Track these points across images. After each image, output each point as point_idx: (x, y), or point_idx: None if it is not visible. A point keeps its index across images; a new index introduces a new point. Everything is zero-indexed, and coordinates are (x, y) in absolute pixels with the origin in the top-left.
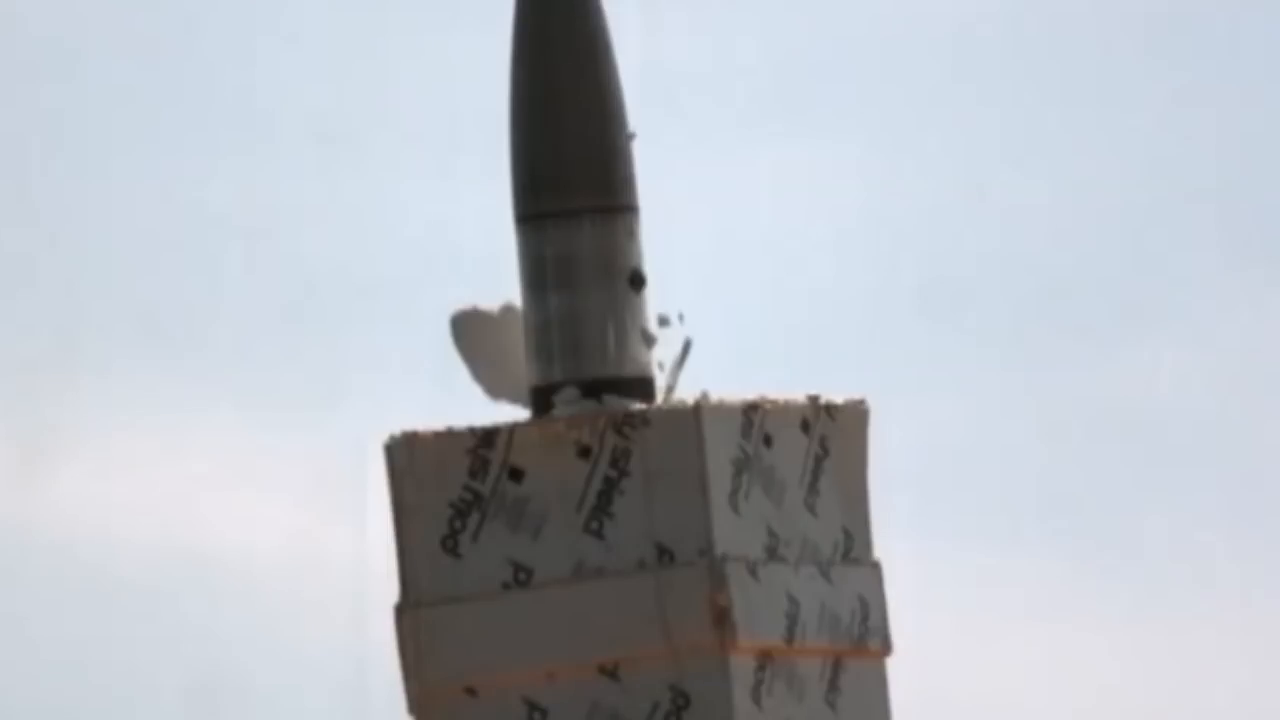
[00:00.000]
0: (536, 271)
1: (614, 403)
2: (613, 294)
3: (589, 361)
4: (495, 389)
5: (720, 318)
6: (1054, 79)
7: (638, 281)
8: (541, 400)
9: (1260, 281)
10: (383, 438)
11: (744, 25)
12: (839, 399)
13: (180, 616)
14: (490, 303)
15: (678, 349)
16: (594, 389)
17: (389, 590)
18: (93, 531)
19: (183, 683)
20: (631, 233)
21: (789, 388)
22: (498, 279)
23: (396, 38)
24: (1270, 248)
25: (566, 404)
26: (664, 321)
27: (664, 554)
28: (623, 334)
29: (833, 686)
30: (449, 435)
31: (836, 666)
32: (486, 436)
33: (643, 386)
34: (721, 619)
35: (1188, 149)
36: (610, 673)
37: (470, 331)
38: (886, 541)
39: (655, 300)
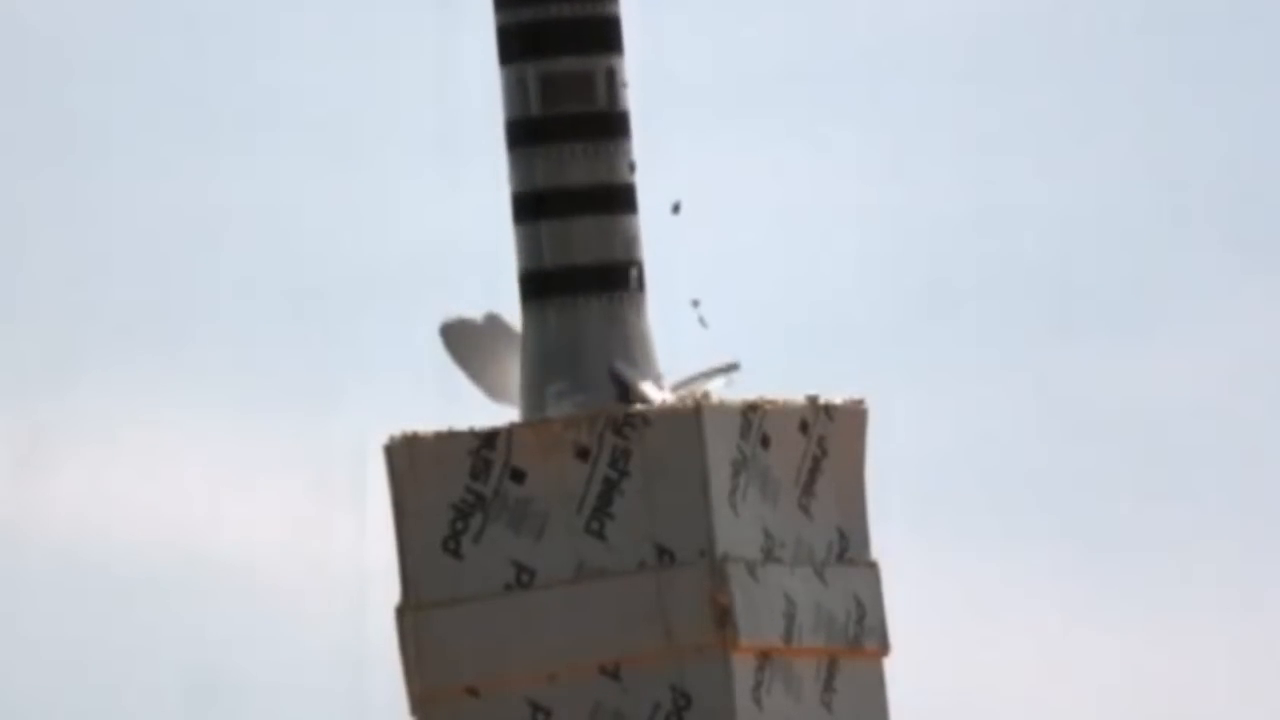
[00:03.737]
0: None
1: (611, 403)
2: None
3: None
4: (495, 392)
5: (721, 317)
6: (1056, 80)
7: None
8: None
9: (1260, 281)
10: (383, 438)
11: (745, 26)
12: (838, 399)
13: (180, 616)
14: (474, 312)
15: (722, 362)
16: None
17: (390, 590)
18: (92, 531)
19: (183, 682)
20: None
21: (789, 388)
22: (497, 279)
23: (395, 37)
24: (1272, 248)
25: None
26: (696, 303)
27: (664, 554)
28: None
29: (828, 687)
30: (450, 436)
31: (831, 667)
32: (489, 438)
33: (608, 27)
34: (724, 618)
35: (1189, 150)
36: (612, 673)
37: (460, 340)
38: (886, 541)
39: (659, 299)
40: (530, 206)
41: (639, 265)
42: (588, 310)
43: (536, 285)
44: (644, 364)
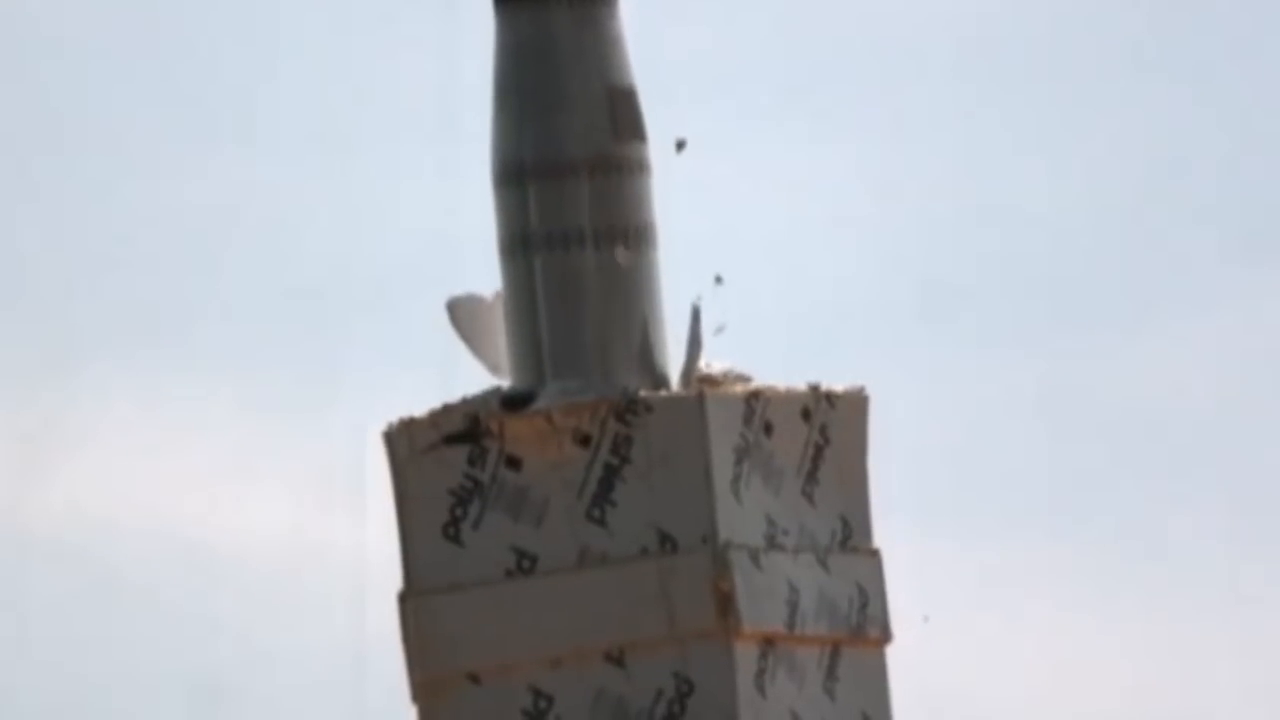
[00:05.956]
0: None
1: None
2: None
3: None
4: (498, 369)
5: (722, 312)
6: (1055, 79)
7: None
8: None
9: (1261, 279)
10: (383, 425)
11: (747, 24)
12: (839, 387)
13: (181, 609)
14: (483, 292)
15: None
16: None
17: (393, 579)
18: (93, 526)
19: (185, 674)
20: None
21: (789, 381)
22: (495, 274)
23: (395, 37)
24: (1271, 245)
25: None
26: (719, 280)
27: (666, 541)
28: None
29: (830, 675)
30: (446, 416)
31: (834, 655)
32: (484, 426)
33: None
34: (726, 605)
35: (1188, 148)
36: (616, 659)
37: (465, 315)
38: (889, 531)
39: (664, 296)
40: None
41: None
42: (560, 9)
43: None
44: (619, 69)
